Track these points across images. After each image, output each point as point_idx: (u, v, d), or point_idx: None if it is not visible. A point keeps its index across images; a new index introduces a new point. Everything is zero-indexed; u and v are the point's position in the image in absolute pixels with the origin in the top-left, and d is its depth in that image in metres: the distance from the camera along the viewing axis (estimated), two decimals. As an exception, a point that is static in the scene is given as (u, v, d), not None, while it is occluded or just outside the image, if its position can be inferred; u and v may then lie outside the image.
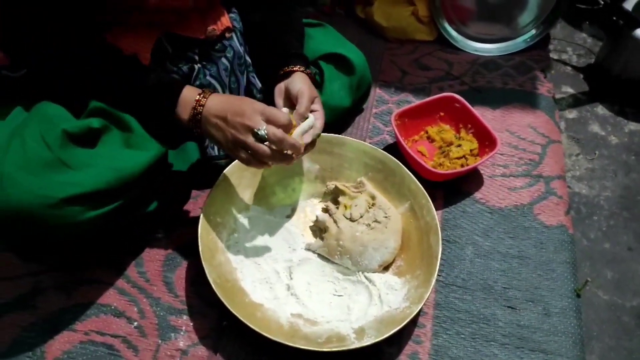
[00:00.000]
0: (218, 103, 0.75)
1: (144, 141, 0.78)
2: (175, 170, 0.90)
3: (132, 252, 0.90)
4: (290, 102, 0.86)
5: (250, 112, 0.73)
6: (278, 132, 0.73)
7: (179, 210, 0.96)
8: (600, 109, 1.42)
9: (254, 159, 0.75)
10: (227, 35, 0.92)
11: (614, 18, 1.40)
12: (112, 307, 0.84)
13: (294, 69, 0.87)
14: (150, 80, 0.77)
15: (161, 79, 0.78)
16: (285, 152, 0.75)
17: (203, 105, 0.75)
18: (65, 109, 0.76)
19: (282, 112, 0.76)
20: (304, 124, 0.80)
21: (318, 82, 1.03)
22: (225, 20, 0.91)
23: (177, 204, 0.96)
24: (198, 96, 0.76)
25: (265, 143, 0.73)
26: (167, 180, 0.88)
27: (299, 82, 0.85)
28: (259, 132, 0.72)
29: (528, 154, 1.14)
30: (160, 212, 0.87)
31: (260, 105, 0.75)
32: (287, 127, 0.75)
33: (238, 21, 0.96)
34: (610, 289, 1.05)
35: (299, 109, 0.81)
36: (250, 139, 0.73)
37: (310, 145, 0.82)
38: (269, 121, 0.73)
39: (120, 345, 0.80)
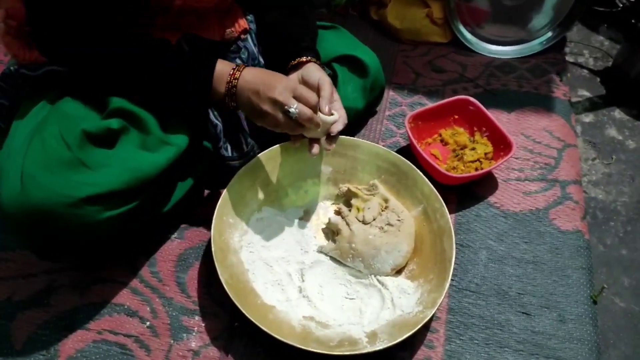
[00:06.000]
0: (252, 77, 0.77)
1: (162, 143, 0.79)
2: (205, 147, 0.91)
3: (146, 252, 0.91)
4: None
5: (281, 88, 0.76)
6: (308, 112, 0.76)
7: (191, 211, 0.96)
8: (618, 113, 1.39)
9: (282, 129, 0.79)
10: (242, 37, 0.92)
11: (633, 21, 1.38)
12: (125, 307, 0.84)
13: (307, 59, 0.88)
14: (185, 57, 0.78)
15: (195, 56, 0.80)
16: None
17: (237, 79, 0.77)
18: (87, 108, 0.77)
19: (312, 93, 0.78)
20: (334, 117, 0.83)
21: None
22: (243, 22, 0.92)
23: (190, 205, 0.96)
24: (232, 70, 0.78)
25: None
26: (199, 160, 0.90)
27: (316, 71, 0.86)
28: (290, 110, 0.75)
29: (543, 157, 1.13)
30: (175, 211, 0.88)
31: (292, 83, 0.78)
32: (315, 108, 0.78)
33: (253, 22, 0.97)
34: (628, 296, 1.03)
35: (324, 94, 0.82)
36: (280, 115, 0.76)
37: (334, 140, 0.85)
38: (299, 100, 0.76)
39: (132, 344, 0.80)
